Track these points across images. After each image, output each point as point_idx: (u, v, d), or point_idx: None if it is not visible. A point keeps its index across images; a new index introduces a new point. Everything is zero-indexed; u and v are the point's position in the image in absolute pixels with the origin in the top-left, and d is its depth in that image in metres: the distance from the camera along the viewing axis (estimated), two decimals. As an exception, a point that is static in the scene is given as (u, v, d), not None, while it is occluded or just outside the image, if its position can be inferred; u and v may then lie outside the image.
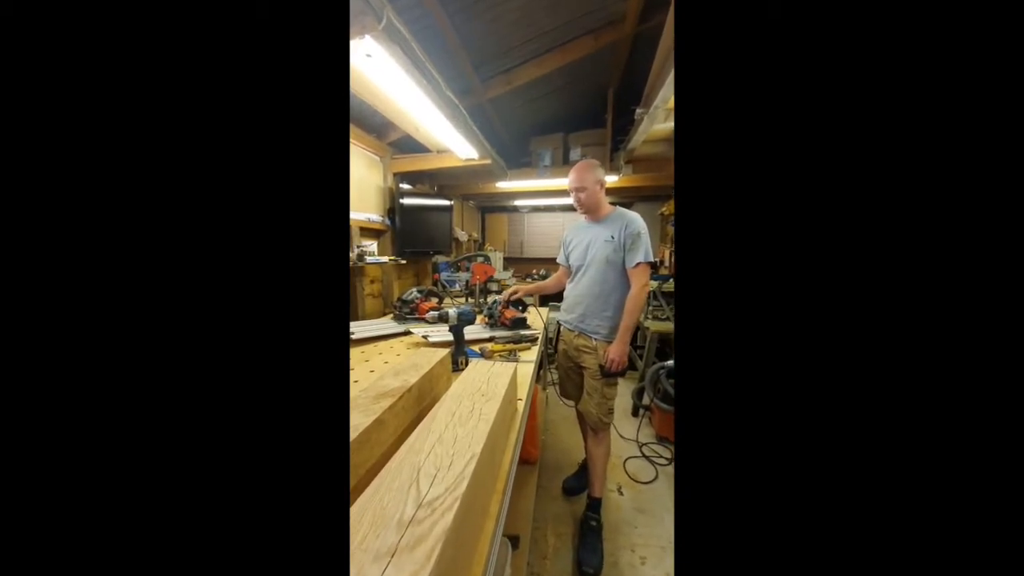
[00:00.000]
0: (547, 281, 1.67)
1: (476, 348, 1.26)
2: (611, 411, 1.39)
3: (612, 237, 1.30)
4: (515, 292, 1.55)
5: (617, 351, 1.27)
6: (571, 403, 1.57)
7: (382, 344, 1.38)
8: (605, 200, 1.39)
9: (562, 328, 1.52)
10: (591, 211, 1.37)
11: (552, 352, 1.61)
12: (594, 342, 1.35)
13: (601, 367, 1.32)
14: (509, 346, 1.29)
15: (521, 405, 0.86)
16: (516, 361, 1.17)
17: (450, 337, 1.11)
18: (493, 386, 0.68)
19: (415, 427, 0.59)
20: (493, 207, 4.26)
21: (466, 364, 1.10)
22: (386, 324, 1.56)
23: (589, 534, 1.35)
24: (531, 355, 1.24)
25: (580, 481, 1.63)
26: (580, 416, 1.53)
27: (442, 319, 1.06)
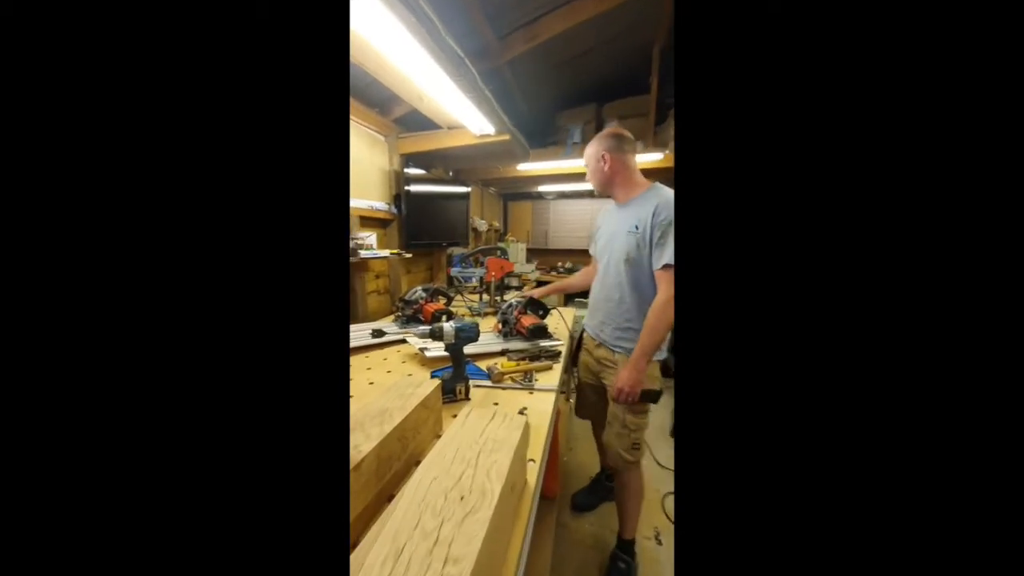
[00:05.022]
0: (573, 277, 1.35)
1: (483, 366, 1.01)
2: (637, 446, 1.04)
3: (636, 227, 0.97)
4: (531, 294, 1.28)
5: (628, 379, 0.96)
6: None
7: (375, 355, 1.16)
8: (630, 176, 1.05)
9: (586, 334, 1.23)
10: (607, 192, 1.10)
11: (577, 351, 1.34)
12: (616, 356, 1.07)
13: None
14: (524, 365, 1.03)
15: (535, 469, 0.61)
16: (532, 388, 0.92)
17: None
18: (484, 471, 0.42)
19: (367, 523, 0.35)
20: (516, 194, 3.95)
21: (467, 393, 0.85)
22: (384, 329, 1.35)
23: None
24: (552, 378, 0.98)
25: (591, 498, 1.38)
26: (600, 445, 1.27)
27: (434, 336, 0.81)
